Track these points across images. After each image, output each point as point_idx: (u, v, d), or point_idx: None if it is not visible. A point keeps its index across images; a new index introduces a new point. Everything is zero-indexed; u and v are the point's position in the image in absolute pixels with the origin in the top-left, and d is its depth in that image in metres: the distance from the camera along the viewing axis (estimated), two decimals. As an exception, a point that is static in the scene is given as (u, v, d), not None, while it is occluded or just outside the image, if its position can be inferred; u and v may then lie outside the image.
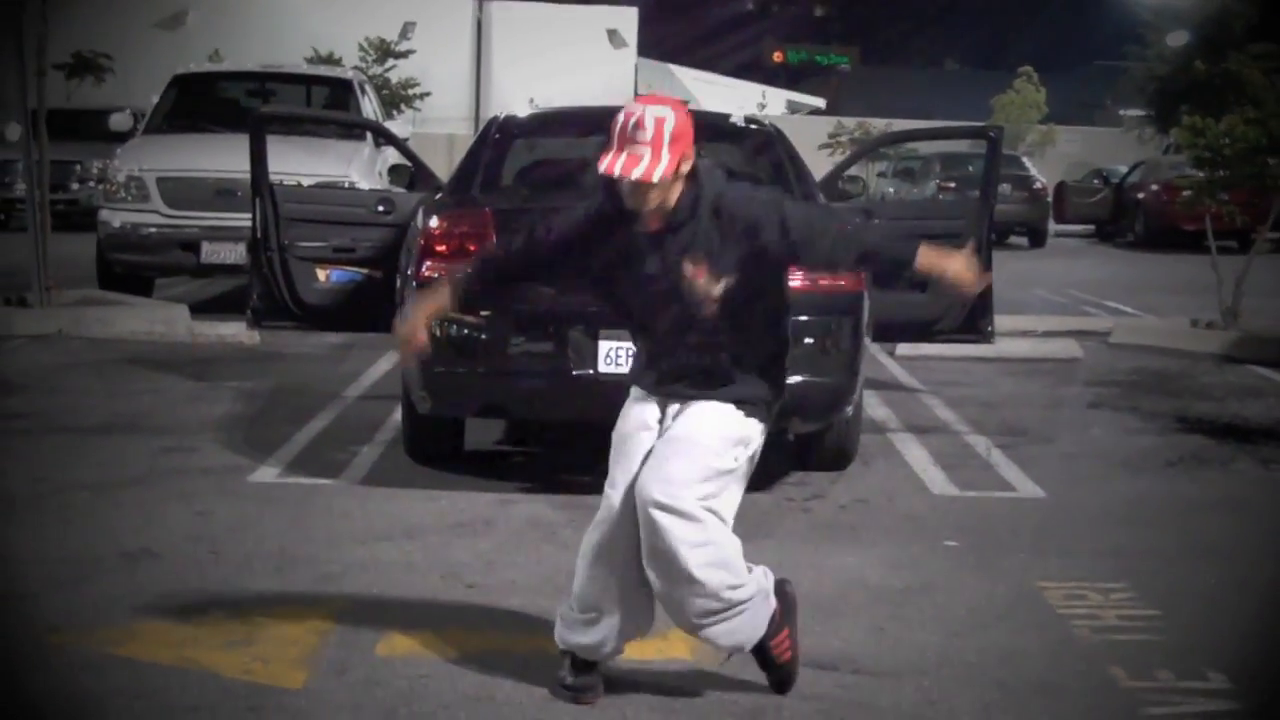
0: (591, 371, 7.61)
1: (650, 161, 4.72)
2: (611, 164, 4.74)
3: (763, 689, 5.14)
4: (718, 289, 4.89)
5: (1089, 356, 13.39)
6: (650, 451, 5.02)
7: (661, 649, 5.54)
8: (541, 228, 5.22)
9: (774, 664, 5.12)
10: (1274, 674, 5.42)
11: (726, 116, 10.74)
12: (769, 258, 4.95)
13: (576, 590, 5.10)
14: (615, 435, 5.16)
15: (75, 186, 24.29)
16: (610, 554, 5.02)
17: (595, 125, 10.20)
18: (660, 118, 4.77)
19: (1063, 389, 11.73)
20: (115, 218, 14.77)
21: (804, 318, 7.69)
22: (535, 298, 7.68)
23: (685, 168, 4.83)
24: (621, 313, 5.23)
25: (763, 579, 5.13)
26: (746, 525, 7.32)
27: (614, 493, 5.04)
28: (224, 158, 14.27)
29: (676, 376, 5.07)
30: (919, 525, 7.52)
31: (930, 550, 7.04)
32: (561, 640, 5.15)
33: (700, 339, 5.00)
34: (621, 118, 4.80)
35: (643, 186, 4.78)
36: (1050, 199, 32.67)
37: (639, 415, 5.14)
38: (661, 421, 5.09)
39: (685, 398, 5.05)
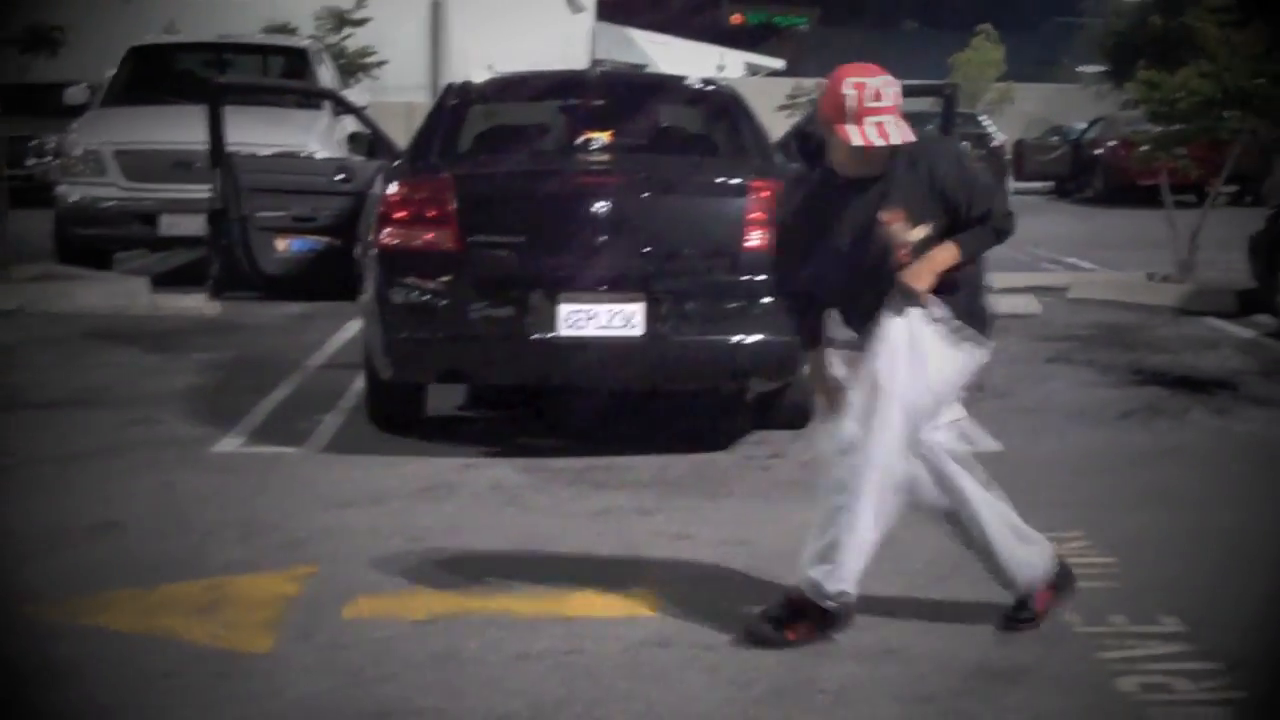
0: (552, 334, 7.66)
1: (899, 124, 5.00)
2: (870, 134, 4.97)
3: (726, 643, 5.21)
4: (915, 234, 5.07)
5: (1047, 312, 13.49)
6: None
7: (625, 606, 5.62)
8: (786, 234, 5.44)
9: None
10: (1224, 617, 5.52)
11: (683, 79, 10.81)
12: (947, 206, 5.14)
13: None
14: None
15: (31, 162, 24.13)
16: None
17: (552, 90, 10.35)
18: (889, 82, 5.05)
19: (1021, 344, 11.82)
20: (73, 191, 14.73)
21: (761, 277, 7.75)
22: (494, 262, 7.74)
23: None
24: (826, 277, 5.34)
25: None
26: (707, 483, 7.46)
27: None
28: (181, 129, 14.19)
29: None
30: (878, 481, 7.57)
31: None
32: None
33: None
34: (853, 90, 5.00)
35: (886, 151, 5.04)
36: (1009, 156, 32.79)
37: None
38: None
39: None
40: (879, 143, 4.98)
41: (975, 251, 5.22)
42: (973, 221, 5.17)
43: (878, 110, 4.99)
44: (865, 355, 5.28)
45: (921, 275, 5.08)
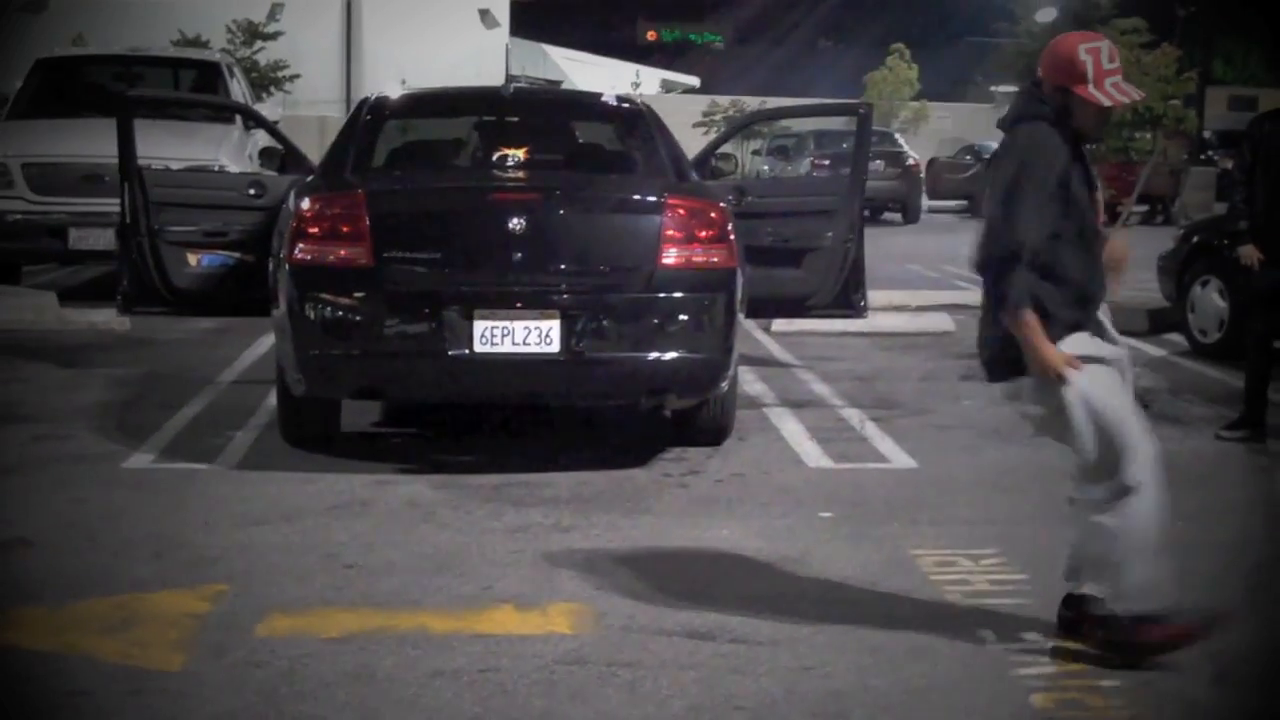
0: (467, 351, 7.62)
1: (1132, 85, 5.29)
2: (1115, 95, 5.19)
3: (640, 661, 5.20)
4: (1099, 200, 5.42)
5: (961, 330, 13.55)
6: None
7: (542, 623, 5.60)
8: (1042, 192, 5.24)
9: None
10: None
11: (598, 95, 10.81)
12: None
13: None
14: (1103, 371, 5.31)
15: (-63, 174, 23.80)
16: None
17: (467, 105, 10.33)
18: (1114, 46, 5.30)
19: (936, 362, 11.90)
20: (-21, 205, 14.51)
21: (678, 294, 7.78)
22: (409, 278, 7.70)
23: None
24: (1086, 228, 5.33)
25: None
26: (624, 500, 7.44)
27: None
28: (91, 142, 14.06)
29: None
30: (794, 498, 7.61)
31: (805, 522, 7.13)
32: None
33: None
34: (1088, 54, 5.19)
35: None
36: (923, 175, 33.06)
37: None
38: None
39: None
40: (1123, 100, 5.23)
41: None
42: None
43: (1114, 71, 5.22)
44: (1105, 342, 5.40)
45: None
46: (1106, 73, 5.20)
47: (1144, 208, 25.23)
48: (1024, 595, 6.00)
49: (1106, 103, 5.21)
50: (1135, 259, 15.23)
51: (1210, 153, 33.89)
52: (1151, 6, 32.67)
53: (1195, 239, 13.00)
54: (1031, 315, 5.19)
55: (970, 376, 11.10)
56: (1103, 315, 5.44)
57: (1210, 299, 12.35)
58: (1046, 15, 37.60)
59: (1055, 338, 5.22)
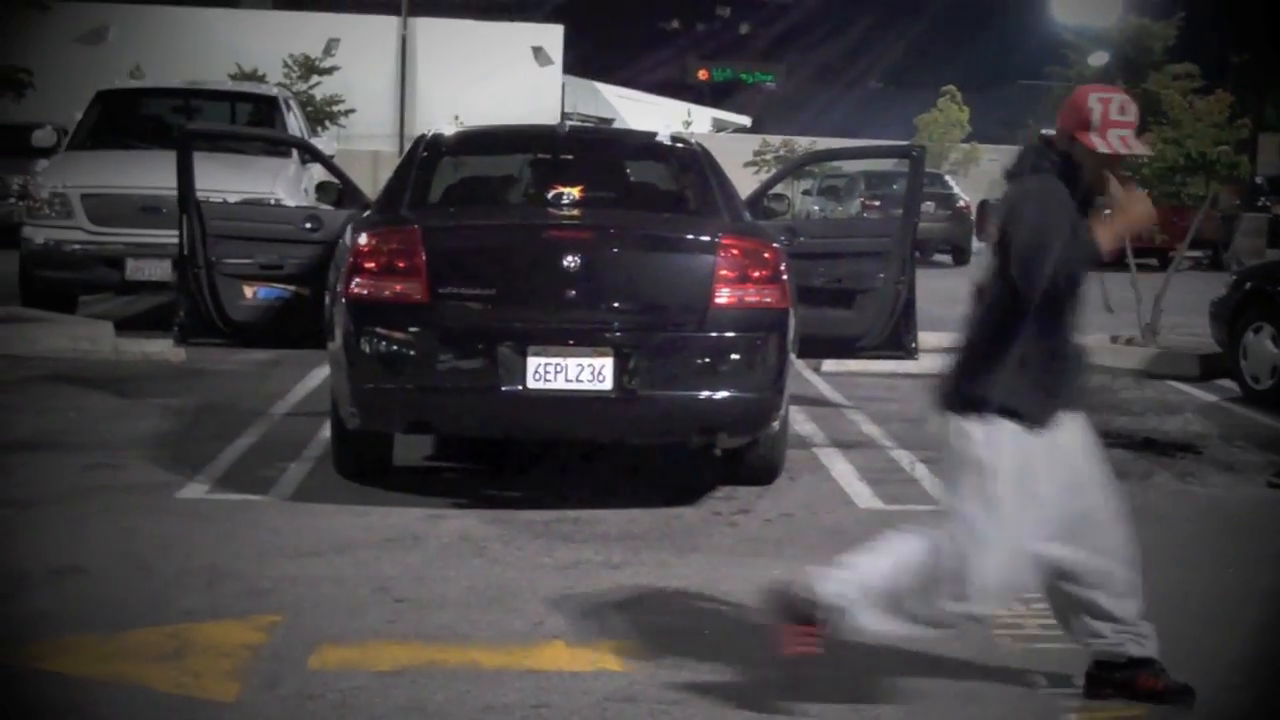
0: (520, 388, 7.65)
1: (1138, 141, 5.14)
2: (1116, 145, 5.06)
3: (692, 700, 5.20)
4: None
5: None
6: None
7: (593, 660, 5.61)
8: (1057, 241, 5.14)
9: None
10: (1189, 679, 5.52)
11: (653, 134, 10.83)
12: None
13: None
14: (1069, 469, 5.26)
15: (-6, 203, 24.05)
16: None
17: (522, 143, 10.38)
18: (1130, 101, 5.16)
19: (985, 404, 11.84)
20: (39, 234, 14.65)
21: (730, 334, 7.80)
22: (463, 314, 7.74)
23: None
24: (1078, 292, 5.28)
25: None
26: (674, 538, 7.45)
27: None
28: (149, 174, 14.19)
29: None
30: (845, 539, 7.56)
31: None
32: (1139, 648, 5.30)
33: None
34: (1098, 105, 5.10)
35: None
36: (973, 217, 32.96)
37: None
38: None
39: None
40: (1121, 151, 5.08)
41: None
42: None
43: (1122, 124, 5.11)
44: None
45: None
46: (1113, 123, 5.09)
47: (1196, 253, 25.17)
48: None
49: (1104, 149, 5.08)
50: (1180, 305, 15.18)
51: (1262, 199, 33.79)
52: (1205, 52, 32.59)
53: (1248, 285, 12.95)
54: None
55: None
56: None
57: (1263, 345, 12.28)
58: (1099, 59, 37.49)
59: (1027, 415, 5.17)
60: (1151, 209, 5.25)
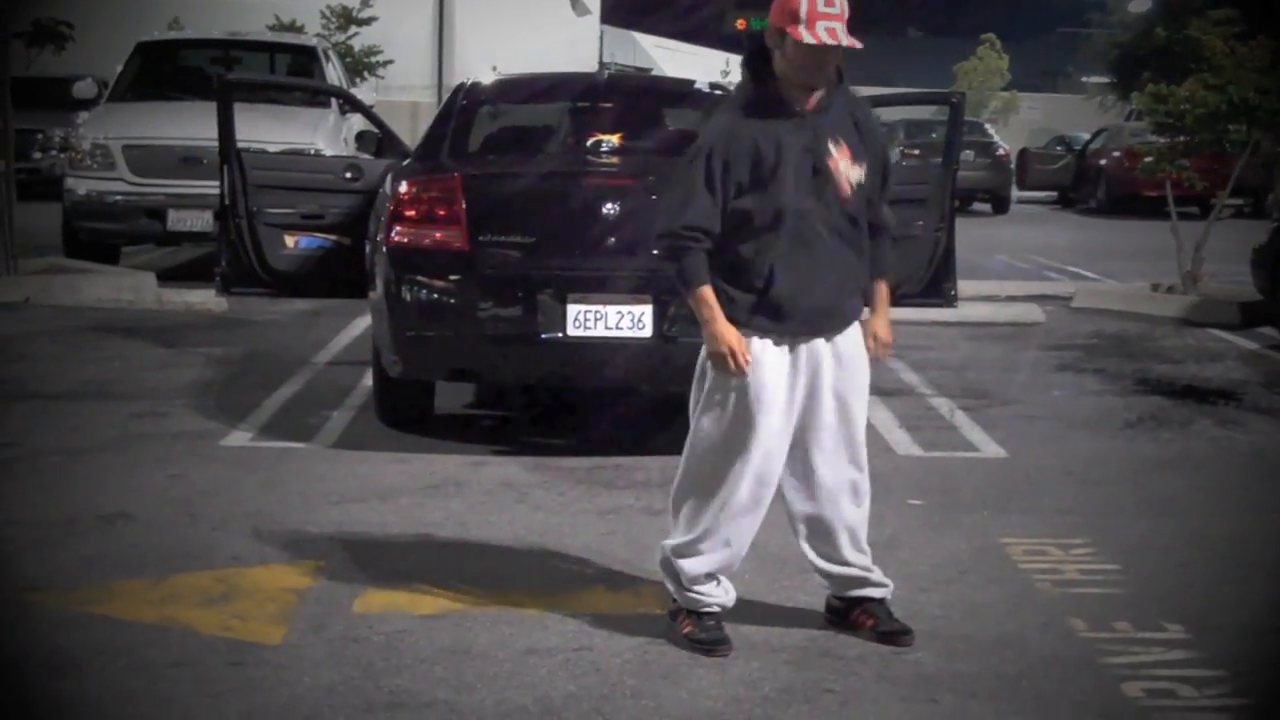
0: (560, 335, 7.70)
1: (846, 31, 4.97)
2: (822, 35, 4.93)
3: (734, 642, 5.24)
4: (856, 174, 5.10)
5: (1051, 320, 13.54)
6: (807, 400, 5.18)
7: (634, 604, 5.66)
8: (713, 165, 5.10)
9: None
10: (1227, 624, 5.56)
11: (691, 82, 10.84)
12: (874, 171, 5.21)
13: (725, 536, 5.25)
14: (754, 384, 5.13)
15: (37, 155, 24.19)
16: (762, 500, 5.26)
17: (561, 92, 10.38)
18: None
19: (1024, 352, 11.87)
20: (81, 185, 14.77)
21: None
22: (503, 262, 7.77)
23: None
24: (761, 217, 5.08)
25: None
26: (714, 485, 7.44)
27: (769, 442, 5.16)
28: (189, 125, 14.27)
29: (823, 303, 5.13)
30: (884, 485, 7.56)
31: (895, 509, 7.15)
32: (689, 588, 5.29)
33: (839, 240, 5.13)
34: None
35: (838, 53, 5.02)
36: (1013, 165, 32.85)
37: (775, 360, 5.15)
38: (795, 362, 5.16)
39: (828, 329, 5.16)
40: (829, 42, 4.95)
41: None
42: (878, 199, 5.30)
43: (829, 16, 4.98)
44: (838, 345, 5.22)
45: (887, 332, 5.37)
46: (821, 15, 4.95)
47: (1238, 201, 25.01)
48: (1114, 585, 6.01)
49: (807, 40, 4.93)
50: (1221, 253, 15.18)
51: (1306, 145, 33.52)
52: (1247, -3, 32.36)
53: (1290, 232, 12.87)
54: (704, 292, 5.10)
55: (1061, 368, 11.10)
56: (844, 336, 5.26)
57: (1305, 293, 12.23)
58: (1140, 6, 37.28)
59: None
60: (720, 352, 5.09)
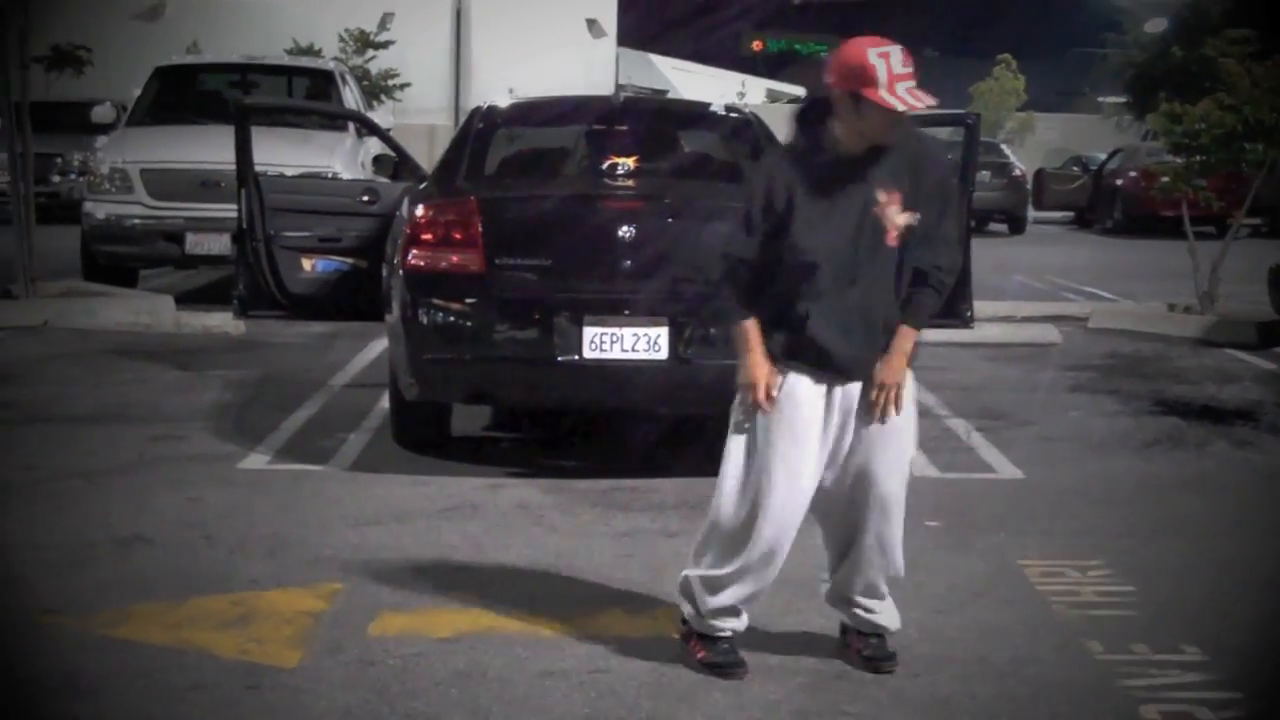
0: (576, 358, 7.71)
1: (924, 90, 4.93)
2: (906, 98, 4.88)
3: (751, 666, 5.24)
4: (904, 220, 5.04)
5: (1067, 341, 13.53)
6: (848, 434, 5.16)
7: (650, 626, 5.66)
8: (763, 205, 5.09)
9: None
10: (1244, 645, 5.55)
11: (706, 105, 10.86)
12: (926, 205, 5.11)
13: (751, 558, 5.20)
14: (788, 419, 5.11)
15: (56, 179, 24.31)
16: (790, 534, 5.22)
17: (577, 115, 10.41)
18: (905, 51, 4.96)
19: (1041, 373, 11.86)
20: (99, 209, 14.84)
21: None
22: (520, 285, 7.79)
23: None
24: (800, 258, 5.05)
25: None
26: (730, 507, 7.44)
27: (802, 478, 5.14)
28: (207, 149, 14.34)
29: (859, 351, 5.10)
30: (900, 506, 7.61)
31: (911, 531, 7.05)
32: (709, 617, 5.27)
33: (880, 287, 5.08)
34: (879, 58, 4.91)
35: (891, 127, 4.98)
36: (1029, 186, 32.83)
37: (810, 397, 5.13)
38: (830, 402, 5.13)
39: (863, 375, 5.12)
40: (915, 105, 4.90)
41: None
42: (937, 243, 5.16)
43: (906, 76, 4.95)
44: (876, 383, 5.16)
45: (900, 372, 5.16)
46: (898, 77, 4.91)
47: (1255, 220, 24.99)
48: (1132, 606, 6.00)
49: (897, 107, 4.89)
50: (1238, 272, 15.18)
51: (1323, 165, 33.45)
52: (1262, 17, 32.29)
53: (1307, 252, 12.87)
54: (750, 325, 5.13)
55: (1077, 388, 11.09)
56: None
57: (1322, 313, 12.21)
58: (1156, 26, 37.26)
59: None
60: (748, 384, 5.12)
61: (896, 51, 4.95)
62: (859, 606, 5.37)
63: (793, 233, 5.03)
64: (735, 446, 5.24)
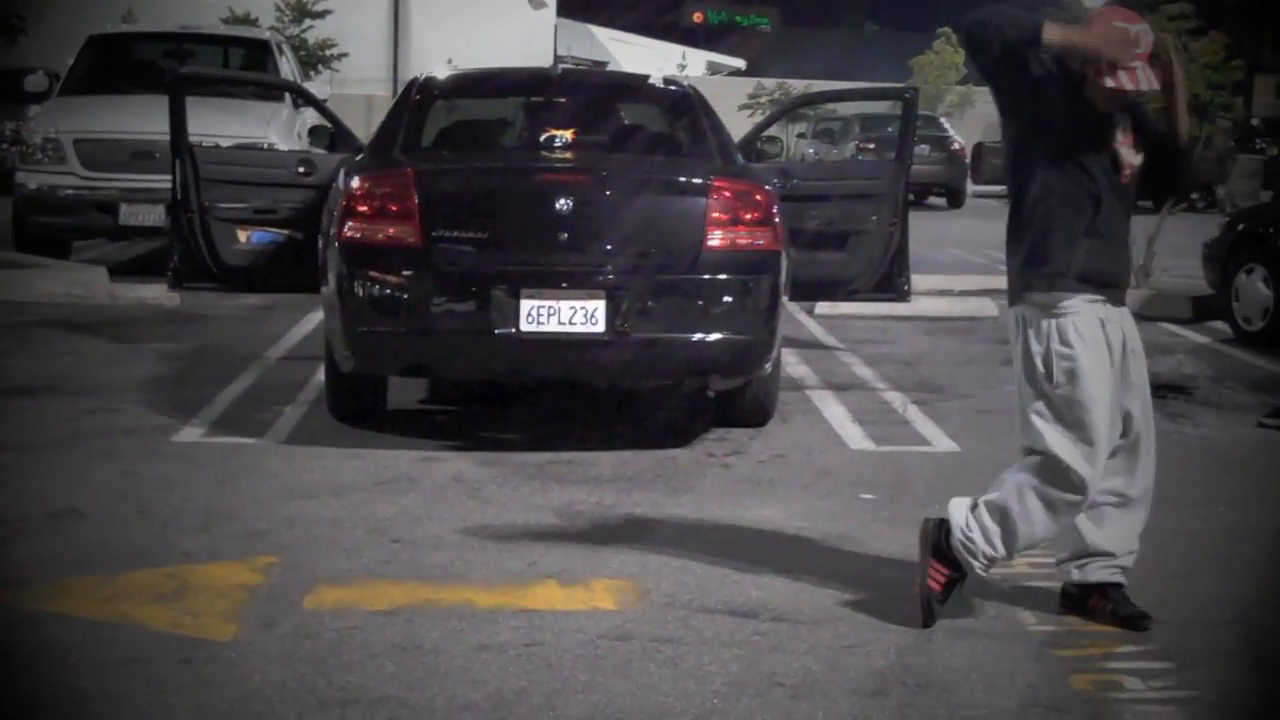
0: (514, 330, 7.69)
1: (1146, 72, 5.25)
2: (1122, 79, 5.22)
3: (682, 638, 5.26)
4: (1135, 158, 5.43)
5: (1004, 315, 13.56)
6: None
7: (586, 599, 5.67)
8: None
9: None
10: (1175, 617, 5.60)
11: (645, 77, 10.86)
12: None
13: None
14: (1093, 354, 5.34)
15: (-12, 149, 24.02)
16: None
17: (515, 87, 10.39)
18: (1146, 31, 5.27)
19: (978, 346, 11.93)
20: (31, 179, 14.67)
21: (722, 276, 7.84)
22: (456, 257, 7.77)
23: None
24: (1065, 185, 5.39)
25: None
26: (667, 479, 7.51)
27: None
28: (141, 119, 14.20)
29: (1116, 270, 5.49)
30: (836, 479, 7.66)
31: (847, 504, 7.19)
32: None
33: (1124, 217, 5.49)
34: (1115, 34, 5.21)
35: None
36: (968, 159, 32.95)
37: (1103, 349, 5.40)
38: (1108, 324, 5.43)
39: (1120, 296, 5.52)
40: (1128, 87, 5.22)
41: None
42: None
43: (1137, 56, 5.22)
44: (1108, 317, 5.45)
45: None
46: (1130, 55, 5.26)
47: (1191, 195, 25.19)
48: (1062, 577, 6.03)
49: (1110, 84, 5.25)
50: (1174, 247, 15.26)
51: (1258, 140, 33.74)
52: (1201, -8, 32.55)
53: (1241, 226, 13.00)
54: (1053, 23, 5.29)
55: (1012, 361, 11.14)
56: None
57: (1255, 287, 12.33)
58: (1094, 0, 37.54)
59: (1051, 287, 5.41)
60: (1117, 36, 5.25)
61: (1136, 30, 5.24)
62: (1115, 552, 5.54)
63: (1059, 157, 5.38)
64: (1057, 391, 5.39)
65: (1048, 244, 5.37)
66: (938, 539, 5.48)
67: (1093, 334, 5.35)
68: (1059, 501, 5.32)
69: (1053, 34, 5.22)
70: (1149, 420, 5.54)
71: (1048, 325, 5.37)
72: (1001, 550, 5.39)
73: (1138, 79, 5.22)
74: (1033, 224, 5.43)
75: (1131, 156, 5.41)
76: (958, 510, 5.47)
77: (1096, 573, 5.55)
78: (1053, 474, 5.31)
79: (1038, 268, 5.41)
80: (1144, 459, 5.52)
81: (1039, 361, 5.39)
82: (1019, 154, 5.51)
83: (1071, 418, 5.29)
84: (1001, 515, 5.36)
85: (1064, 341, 5.34)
